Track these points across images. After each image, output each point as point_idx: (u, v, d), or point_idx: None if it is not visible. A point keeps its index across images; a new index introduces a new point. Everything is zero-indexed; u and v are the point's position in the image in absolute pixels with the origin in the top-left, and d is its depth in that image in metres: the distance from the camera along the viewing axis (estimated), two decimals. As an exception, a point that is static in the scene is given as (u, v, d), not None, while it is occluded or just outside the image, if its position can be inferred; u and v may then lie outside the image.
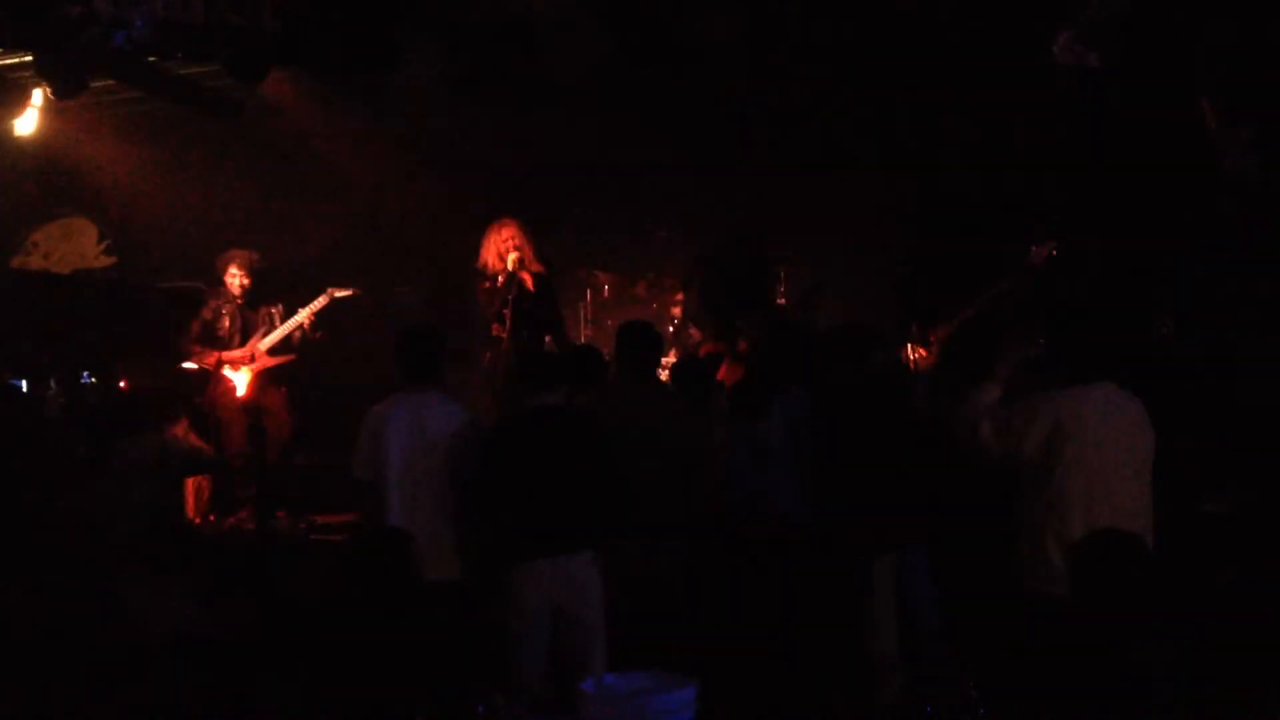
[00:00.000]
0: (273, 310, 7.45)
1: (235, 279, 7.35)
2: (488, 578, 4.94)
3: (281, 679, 5.06)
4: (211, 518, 7.15)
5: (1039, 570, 4.35)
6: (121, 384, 7.89)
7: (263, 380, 7.33)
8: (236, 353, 7.29)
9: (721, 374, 7.22)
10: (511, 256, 7.11)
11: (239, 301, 7.38)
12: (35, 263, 8.53)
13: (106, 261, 8.68)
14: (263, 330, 7.39)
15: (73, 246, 8.63)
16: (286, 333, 7.39)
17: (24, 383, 7.55)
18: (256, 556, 6.43)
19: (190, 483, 7.21)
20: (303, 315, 7.38)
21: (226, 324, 7.32)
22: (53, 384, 7.37)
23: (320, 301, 7.41)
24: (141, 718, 4.76)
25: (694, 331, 7.97)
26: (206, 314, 7.33)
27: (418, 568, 4.86)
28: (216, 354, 7.26)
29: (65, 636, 5.05)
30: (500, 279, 7.13)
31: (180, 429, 6.37)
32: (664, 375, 6.53)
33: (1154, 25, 6.43)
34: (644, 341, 5.51)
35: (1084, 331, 4.57)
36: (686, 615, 4.92)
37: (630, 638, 4.78)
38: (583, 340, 8.34)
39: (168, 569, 5.34)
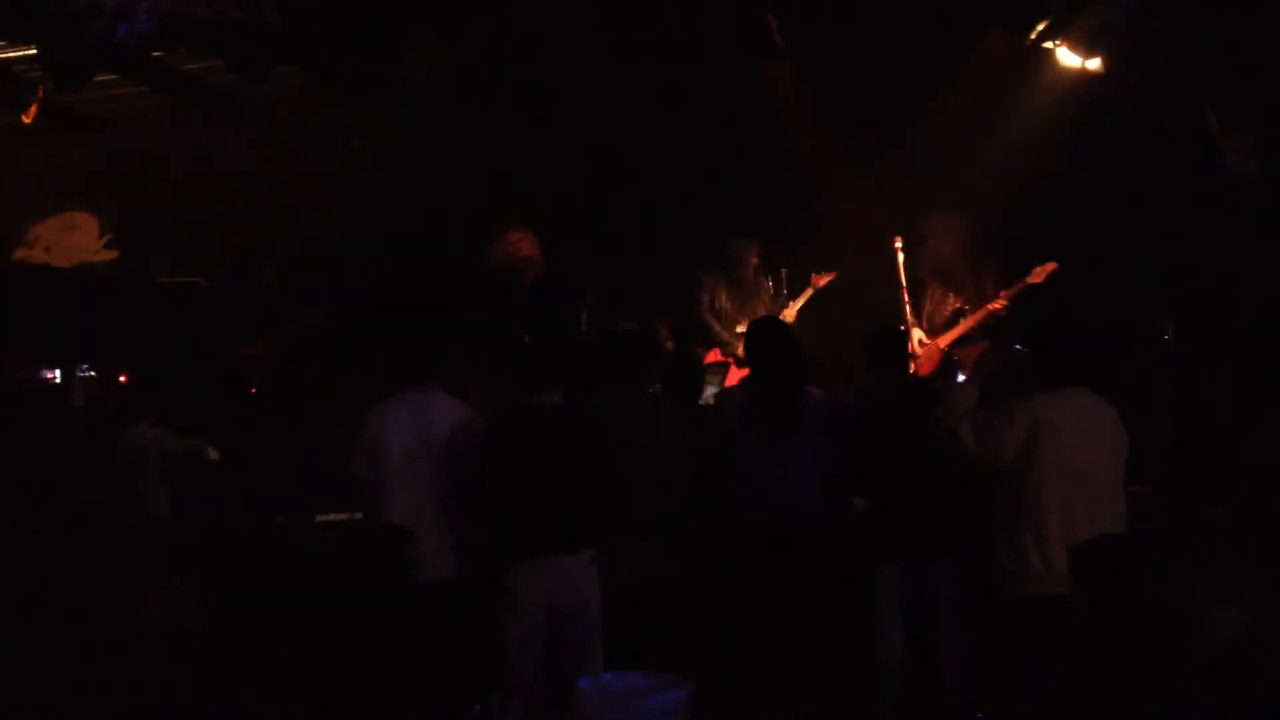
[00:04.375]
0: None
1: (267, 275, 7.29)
2: (485, 577, 4.94)
3: (278, 677, 5.06)
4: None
5: (1019, 572, 4.38)
6: (121, 378, 7.86)
7: None
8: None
9: (731, 380, 7.28)
10: (518, 259, 7.13)
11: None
12: (36, 256, 8.51)
13: (108, 256, 8.65)
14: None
15: (74, 240, 8.60)
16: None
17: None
18: (255, 554, 6.41)
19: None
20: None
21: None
22: (80, 372, 7.26)
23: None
24: (140, 714, 4.77)
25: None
26: None
27: (414, 567, 4.89)
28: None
29: (66, 631, 5.05)
30: (505, 282, 7.14)
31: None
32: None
33: (1157, 30, 6.44)
34: (631, 348, 5.54)
35: (1061, 338, 4.62)
36: (683, 615, 4.92)
37: (628, 637, 4.79)
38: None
39: (166, 564, 5.34)
